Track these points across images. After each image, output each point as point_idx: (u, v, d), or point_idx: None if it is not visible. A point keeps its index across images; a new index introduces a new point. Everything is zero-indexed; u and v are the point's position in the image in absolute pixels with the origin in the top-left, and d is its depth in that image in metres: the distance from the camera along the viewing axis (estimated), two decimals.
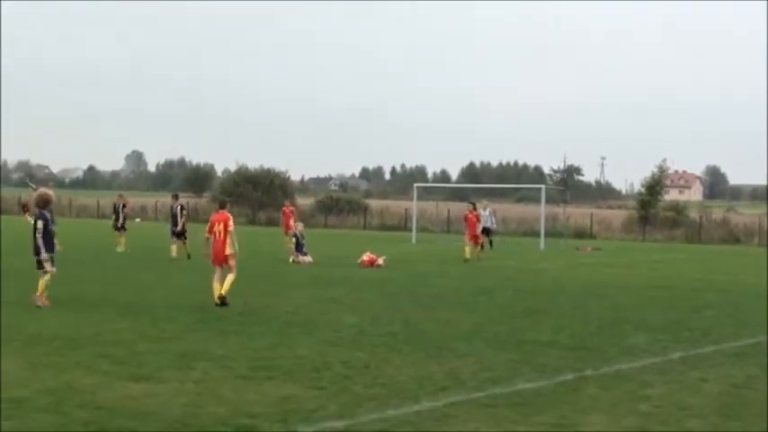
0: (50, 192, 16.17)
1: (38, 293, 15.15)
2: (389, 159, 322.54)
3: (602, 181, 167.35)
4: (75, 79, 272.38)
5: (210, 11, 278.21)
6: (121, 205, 32.07)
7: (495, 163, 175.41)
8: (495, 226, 38.97)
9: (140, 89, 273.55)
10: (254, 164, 77.01)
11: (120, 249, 29.87)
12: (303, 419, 7.99)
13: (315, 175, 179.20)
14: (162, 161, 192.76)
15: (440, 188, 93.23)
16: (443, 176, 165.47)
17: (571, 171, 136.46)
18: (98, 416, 7.94)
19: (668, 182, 69.66)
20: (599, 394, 9.37)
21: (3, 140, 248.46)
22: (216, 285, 15.99)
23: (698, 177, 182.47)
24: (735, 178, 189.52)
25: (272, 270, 24.00)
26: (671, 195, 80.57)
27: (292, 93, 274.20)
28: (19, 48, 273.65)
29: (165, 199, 30.89)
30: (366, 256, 27.05)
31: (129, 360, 10.52)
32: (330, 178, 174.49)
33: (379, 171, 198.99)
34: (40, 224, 15.25)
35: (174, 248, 27.99)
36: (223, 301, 15.69)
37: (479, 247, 32.78)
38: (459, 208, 42.91)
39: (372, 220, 64.77)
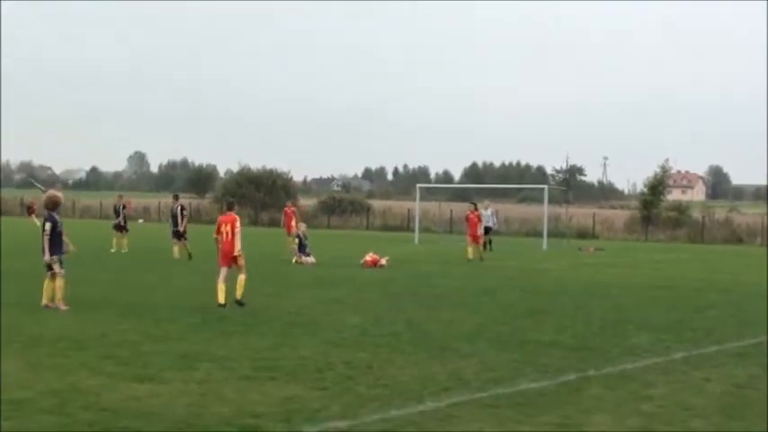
0: (59, 194, 16.13)
1: (59, 299, 15.01)
2: (392, 160, 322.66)
3: (604, 181, 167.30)
4: (76, 79, 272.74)
5: (211, 11, 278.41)
6: (121, 206, 32.07)
7: (497, 163, 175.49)
8: (495, 226, 38.99)
9: (142, 90, 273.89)
10: (256, 164, 76.98)
11: (113, 250, 29.72)
12: (306, 419, 8.01)
13: (317, 176, 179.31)
14: (164, 162, 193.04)
15: (442, 188, 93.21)
16: (446, 177, 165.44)
17: (574, 171, 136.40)
18: (103, 417, 7.96)
19: (671, 182, 69.68)
20: (602, 394, 9.38)
21: (5, 142, 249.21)
22: (221, 286, 15.99)
23: (700, 177, 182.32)
24: (737, 178, 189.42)
25: (275, 271, 24.01)
26: (674, 195, 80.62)
27: (295, 93, 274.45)
28: (20, 48, 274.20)
29: (167, 200, 30.93)
30: (369, 257, 27.06)
31: (134, 361, 10.54)
32: (333, 179, 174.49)
33: (381, 171, 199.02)
34: (47, 226, 15.20)
35: (176, 249, 28.02)
36: (240, 303, 15.85)
37: (482, 247, 32.82)
38: (461, 208, 42.89)
39: (375, 221, 64.77)
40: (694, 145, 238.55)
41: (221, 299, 15.83)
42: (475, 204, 32.92)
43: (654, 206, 59.36)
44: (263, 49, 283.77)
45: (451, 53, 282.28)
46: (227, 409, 8.30)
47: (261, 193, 68.04)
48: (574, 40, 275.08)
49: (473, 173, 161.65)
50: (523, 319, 15.35)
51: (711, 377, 10.46)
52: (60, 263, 15.29)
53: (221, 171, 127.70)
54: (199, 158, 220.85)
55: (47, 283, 15.31)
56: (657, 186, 60.28)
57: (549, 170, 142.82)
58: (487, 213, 35.53)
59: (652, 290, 21.28)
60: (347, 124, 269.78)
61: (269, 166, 75.15)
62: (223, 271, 16.24)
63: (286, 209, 36.35)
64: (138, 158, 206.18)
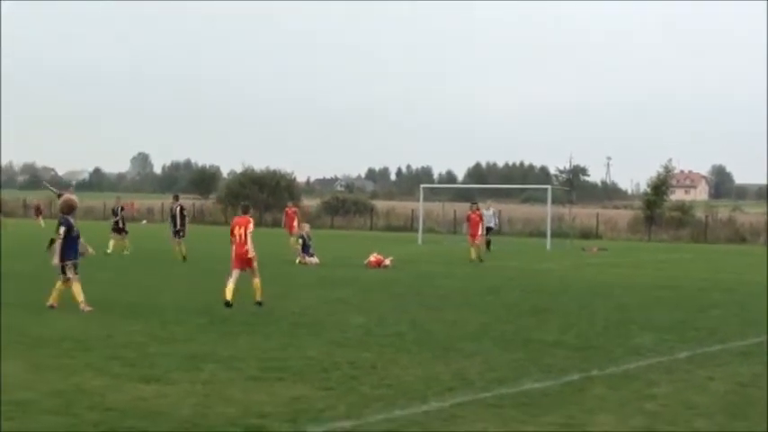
0: (75, 197, 16.10)
1: (81, 302, 14.94)
2: (395, 160, 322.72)
3: (607, 181, 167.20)
4: (77, 80, 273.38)
5: (211, 11, 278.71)
6: (119, 208, 32.06)
7: (501, 163, 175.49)
8: (497, 227, 38.98)
9: (145, 90, 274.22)
10: (260, 165, 77.16)
11: (109, 251, 29.66)
12: (312, 419, 8.05)
13: (321, 177, 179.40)
14: (168, 163, 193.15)
15: (446, 189, 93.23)
16: (449, 177, 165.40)
17: (577, 171, 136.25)
18: (108, 417, 8.00)
19: (674, 182, 69.65)
20: (606, 394, 9.41)
21: (8, 143, 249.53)
22: (230, 285, 16.10)
23: (703, 177, 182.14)
24: (741, 178, 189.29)
25: (279, 271, 24.05)
26: (677, 195, 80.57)
27: (297, 93, 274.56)
28: (20, 48, 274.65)
29: (171, 201, 30.96)
30: (373, 257, 27.11)
31: (140, 362, 10.58)
32: (336, 179, 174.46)
33: (385, 172, 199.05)
34: (62, 230, 15.14)
35: (177, 249, 27.97)
36: (259, 305, 15.99)
37: (486, 246, 32.83)
38: (465, 209, 42.87)
39: (378, 221, 64.82)
40: (697, 144, 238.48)
41: (228, 296, 15.92)
42: (476, 204, 32.89)
43: (657, 206, 59.34)
44: (265, 49, 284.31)
45: (452, 53, 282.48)
46: (233, 410, 8.34)
47: (264, 194, 68.14)
48: (575, 40, 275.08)
49: (476, 173, 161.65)
50: (527, 318, 15.38)
51: (715, 376, 10.49)
52: (75, 267, 15.22)
53: (224, 172, 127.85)
54: (202, 159, 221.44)
55: (58, 284, 15.28)
56: (661, 186, 60.27)
57: (552, 170, 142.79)
58: (489, 213, 35.54)
59: (655, 290, 21.30)
60: (350, 125, 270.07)
61: (272, 167, 75.32)
62: (235, 273, 16.35)
63: (287, 209, 36.43)
64: (142, 159, 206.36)
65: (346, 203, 71.22)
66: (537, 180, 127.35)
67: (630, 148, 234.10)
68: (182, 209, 29.34)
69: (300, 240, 28.62)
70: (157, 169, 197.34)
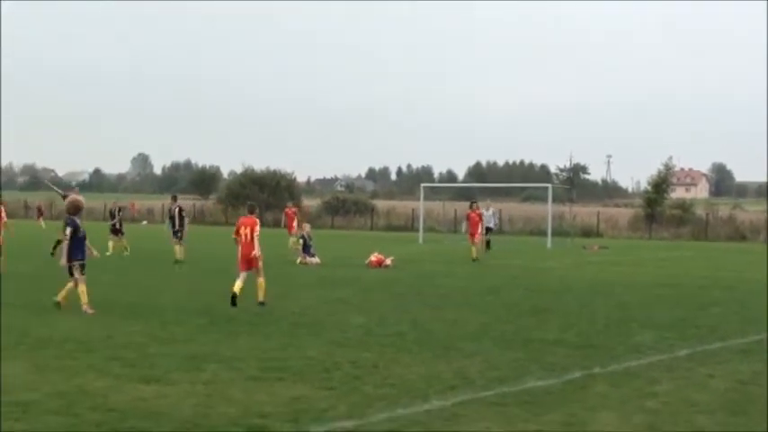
0: (81, 198, 16.10)
1: (84, 303, 14.93)
2: (395, 160, 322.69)
3: (608, 179, 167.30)
4: (78, 81, 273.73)
5: (211, 11, 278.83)
6: (117, 209, 32.04)
7: (501, 162, 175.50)
8: (497, 227, 38.94)
9: (145, 91, 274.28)
10: (260, 165, 77.21)
11: (109, 253, 29.64)
12: (314, 419, 8.06)
13: (321, 177, 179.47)
14: (168, 163, 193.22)
15: (446, 188, 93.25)
16: (450, 176, 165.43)
17: (577, 170, 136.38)
18: (110, 417, 8.01)
19: (674, 180, 69.66)
20: (607, 392, 9.42)
21: (8, 144, 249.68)
22: (239, 283, 16.32)
23: (704, 175, 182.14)
24: (741, 175, 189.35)
25: (280, 271, 24.06)
26: (677, 193, 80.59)
27: (297, 94, 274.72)
28: (21, 48, 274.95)
29: (169, 201, 30.98)
30: (374, 257, 27.13)
31: (140, 363, 10.59)
32: (336, 179, 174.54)
33: (385, 171, 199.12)
34: (68, 231, 15.10)
35: (177, 249, 27.88)
36: (262, 305, 16.11)
37: (486, 246, 32.81)
38: (465, 208, 42.94)
39: (379, 221, 64.82)
40: (698, 142, 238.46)
41: (236, 288, 16.18)
42: (475, 203, 32.84)
43: (658, 204, 59.36)
44: (265, 49, 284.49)
45: (452, 53, 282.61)
46: (234, 410, 8.35)
47: (265, 194, 68.15)
48: (575, 39, 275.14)
49: (477, 172, 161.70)
50: (528, 317, 15.39)
51: (715, 374, 10.50)
52: (82, 268, 15.21)
53: (225, 172, 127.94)
54: (202, 160, 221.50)
55: (70, 284, 15.23)
56: (661, 184, 60.29)
57: (552, 169, 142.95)
58: (489, 214, 35.50)
59: (656, 288, 21.31)
60: (350, 124, 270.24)
61: (272, 167, 75.34)
62: (242, 275, 16.50)
63: (287, 210, 36.46)
64: (142, 160, 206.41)
65: (347, 203, 71.23)
66: (537, 179, 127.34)
67: (631, 147, 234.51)
68: (180, 210, 29.26)
69: (301, 240, 28.63)
70: (157, 170, 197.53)
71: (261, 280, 16.48)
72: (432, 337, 12.91)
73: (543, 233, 46.31)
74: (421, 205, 49.78)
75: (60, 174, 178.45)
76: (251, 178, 72.83)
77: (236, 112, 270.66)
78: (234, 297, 16.09)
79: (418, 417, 8.24)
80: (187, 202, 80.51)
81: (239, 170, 79.35)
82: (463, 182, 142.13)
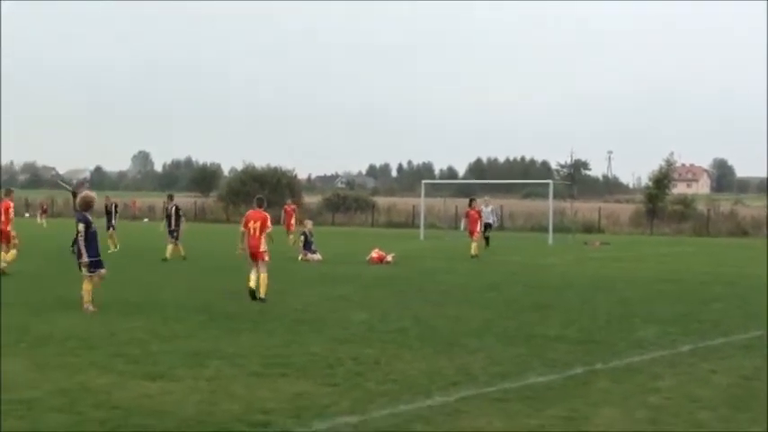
0: (93, 194, 16.06)
1: (86, 301, 14.84)
2: (396, 156, 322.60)
3: (609, 175, 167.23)
4: (78, 79, 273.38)
5: (213, 10, 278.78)
6: (113, 205, 32.01)
7: (502, 159, 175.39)
8: (496, 223, 38.93)
9: (145, 89, 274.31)
10: (260, 163, 77.17)
11: (110, 251, 29.58)
12: (316, 415, 8.06)
13: (322, 174, 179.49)
14: (169, 161, 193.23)
15: (447, 185, 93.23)
16: (450, 173, 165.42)
17: (578, 166, 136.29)
18: (114, 415, 8.01)
19: (676, 175, 69.62)
20: (609, 387, 9.42)
21: (9, 142, 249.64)
22: (252, 276, 16.57)
23: (705, 170, 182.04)
24: (742, 171, 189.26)
25: (281, 268, 24.06)
26: (679, 189, 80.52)
27: (298, 91, 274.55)
28: (21, 48, 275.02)
29: (165, 200, 30.93)
30: (375, 253, 27.15)
31: (143, 359, 10.59)
32: (337, 176, 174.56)
33: (386, 168, 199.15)
34: (81, 227, 15.06)
35: (169, 248, 27.70)
36: (262, 301, 16.23)
37: (485, 242, 32.81)
38: (466, 204, 42.98)
39: (380, 218, 64.87)
40: (699, 138, 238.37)
41: (252, 284, 16.47)
42: (474, 200, 32.82)
43: (659, 200, 59.39)
44: (266, 46, 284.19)
45: (453, 50, 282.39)
46: (237, 406, 8.36)
47: (266, 192, 68.08)
48: (576, 36, 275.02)
49: (478, 168, 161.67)
50: (530, 313, 15.39)
51: (718, 369, 10.50)
52: (90, 265, 15.18)
53: (226, 170, 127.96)
54: (203, 157, 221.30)
55: (97, 281, 15.16)
56: (662, 180, 60.33)
57: (553, 165, 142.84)
58: (488, 210, 35.50)
59: (658, 283, 21.32)
60: (351, 121, 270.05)
61: (273, 165, 75.37)
62: (254, 271, 16.67)
63: (286, 207, 36.53)
64: (143, 158, 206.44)
65: (347, 200, 71.28)
66: (538, 175, 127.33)
67: (632, 142, 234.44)
68: (177, 209, 29.11)
69: (303, 237, 28.65)
70: (158, 167, 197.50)
71: (264, 275, 16.54)
72: (434, 334, 12.91)
73: (544, 229, 46.31)
74: (422, 202, 49.79)
75: (61, 171, 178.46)
76: (252, 175, 72.88)
77: (237, 110, 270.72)
78: (252, 292, 16.35)
79: (420, 412, 8.25)
80: (188, 199, 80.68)
81: (240, 167, 79.43)
82: (464, 178, 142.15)
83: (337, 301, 16.95)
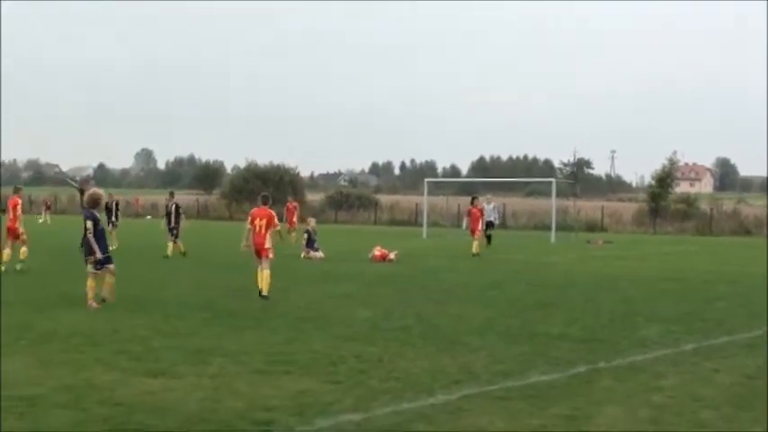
0: (101, 191, 16.09)
1: (90, 298, 14.87)
2: (399, 154, 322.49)
3: (612, 174, 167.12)
4: (82, 77, 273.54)
5: (215, 8, 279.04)
6: (114, 203, 31.99)
7: (504, 157, 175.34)
8: (497, 221, 38.92)
9: (148, 86, 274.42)
10: (263, 160, 77.16)
11: (113, 247, 29.53)
12: (319, 413, 8.07)
13: (324, 171, 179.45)
14: (171, 159, 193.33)
15: (450, 183, 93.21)
16: (453, 171, 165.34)
17: (581, 164, 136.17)
18: (117, 411, 8.03)
19: (679, 174, 69.51)
20: (612, 386, 9.42)
21: (13, 140, 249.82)
22: (257, 277, 16.69)
23: (708, 169, 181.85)
24: (745, 170, 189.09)
25: (284, 266, 24.08)
26: (682, 188, 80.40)
27: (300, 89, 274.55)
28: (25, 46, 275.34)
29: (166, 198, 30.87)
30: (377, 251, 27.15)
31: (146, 356, 10.60)
32: (340, 174, 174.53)
33: (388, 166, 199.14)
34: (89, 224, 15.06)
35: (170, 246, 27.69)
36: (264, 298, 16.31)
37: (487, 240, 32.80)
38: (469, 203, 43.03)
39: (383, 216, 64.87)
40: (702, 137, 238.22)
41: (259, 285, 16.57)
42: (476, 198, 32.81)
43: (662, 198, 59.33)
44: (269, 44, 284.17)
45: (456, 49, 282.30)
46: (240, 404, 8.36)
47: (269, 189, 68.20)
48: (578, 35, 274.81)
49: (480, 167, 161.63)
50: (532, 312, 15.39)
51: (721, 368, 10.49)
52: (96, 263, 15.19)
53: (228, 167, 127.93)
54: (206, 155, 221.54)
55: (108, 279, 15.15)
56: (665, 179, 60.27)
57: (556, 164, 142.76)
58: (489, 208, 35.50)
59: (661, 282, 21.31)
60: (354, 119, 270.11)
61: (276, 162, 75.35)
62: (259, 263, 16.87)
63: (288, 204, 36.59)
64: (145, 155, 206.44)
65: (350, 198, 71.29)
66: (541, 173, 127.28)
67: (635, 141, 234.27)
68: (177, 207, 29.05)
69: (306, 235, 28.66)
70: (161, 165, 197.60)
71: (267, 272, 16.58)
72: (436, 332, 12.92)
73: (547, 228, 46.30)
74: (425, 200, 49.79)
75: (64, 169, 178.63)
76: (254, 173, 72.87)
77: (240, 108, 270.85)
78: (261, 291, 16.47)
79: (423, 410, 8.25)
80: (191, 197, 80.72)
81: (243, 165, 79.42)
82: (467, 177, 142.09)
83: (340, 298, 16.95)
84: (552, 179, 52.49)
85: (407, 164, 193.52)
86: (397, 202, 69.44)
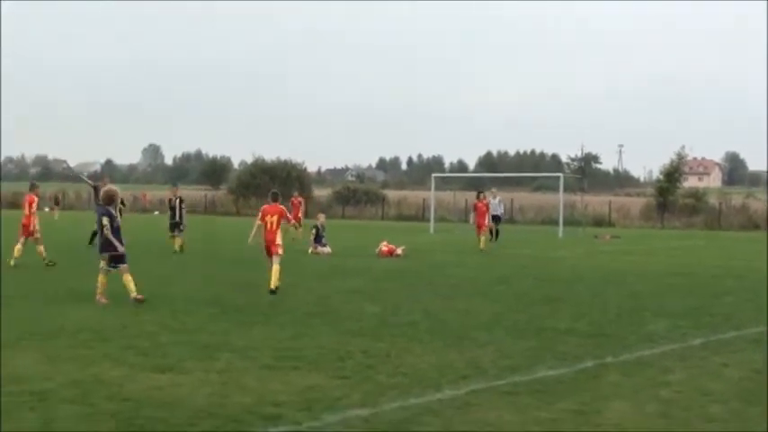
0: (116, 188, 16.13)
1: (99, 293, 14.90)
2: (406, 150, 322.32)
3: (620, 169, 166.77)
4: (90, 74, 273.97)
5: (223, 4, 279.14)
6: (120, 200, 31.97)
7: (512, 152, 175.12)
8: (503, 215, 38.87)
9: (156, 82, 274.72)
10: (270, 156, 77.25)
11: None
12: (327, 408, 8.08)
13: (332, 167, 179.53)
14: (179, 154, 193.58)
15: (457, 178, 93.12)
16: (461, 166, 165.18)
17: (589, 159, 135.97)
18: (125, 406, 8.05)
19: (687, 169, 69.38)
20: (620, 381, 9.41)
21: (21, 136, 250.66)
22: (268, 273, 16.71)
23: (717, 164, 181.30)
24: (754, 164, 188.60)
25: (292, 261, 24.11)
26: (690, 182, 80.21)
27: (308, 85, 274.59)
28: (27, 43, 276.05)
29: (169, 192, 30.81)
30: (384, 246, 27.16)
31: (154, 351, 10.62)
32: (347, 169, 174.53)
33: (396, 161, 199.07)
34: (105, 221, 15.09)
35: (177, 241, 27.66)
36: (273, 292, 16.33)
37: (491, 235, 32.76)
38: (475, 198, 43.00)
39: (390, 211, 64.86)
40: (711, 132, 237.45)
41: (271, 281, 16.57)
42: (482, 193, 32.79)
43: (670, 193, 59.18)
44: (277, 41, 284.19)
45: (463, 45, 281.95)
46: (248, 399, 8.38)
47: (276, 185, 68.26)
48: (585, 30, 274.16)
49: (488, 162, 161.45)
50: (540, 306, 15.38)
51: (729, 362, 10.47)
52: (111, 260, 15.10)
53: (235, 163, 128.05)
54: (213, 150, 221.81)
55: (126, 276, 15.12)
56: (673, 173, 60.10)
57: (564, 158, 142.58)
58: (495, 202, 35.45)
59: (669, 277, 21.26)
60: (361, 114, 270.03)
61: (283, 158, 75.41)
62: (269, 261, 16.95)
63: (293, 199, 36.64)
64: (153, 151, 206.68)
65: (357, 193, 71.27)
66: (548, 168, 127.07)
67: (643, 136, 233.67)
68: (181, 201, 29.00)
69: (314, 230, 28.69)
70: (168, 160, 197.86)
71: (277, 267, 16.68)
72: (444, 327, 12.91)
73: (555, 222, 46.25)
74: (432, 195, 49.76)
75: (72, 164, 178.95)
76: (261, 168, 72.93)
77: (247, 103, 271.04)
78: (271, 292, 16.40)
79: (431, 406, 8.25)
80: (198, 192, 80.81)
81: (250, 160, 79.49)
82: (474, 172, 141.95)
83: (348, 294, 16.96)
84: (560, 174, 52.39)
85: (415, 159, 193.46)
86: (405, 198, 69.42)
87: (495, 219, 34.18)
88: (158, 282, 18.61)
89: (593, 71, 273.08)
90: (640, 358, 10.70)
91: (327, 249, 27.90)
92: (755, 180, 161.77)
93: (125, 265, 15.17)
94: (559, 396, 8.65)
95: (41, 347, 10.87)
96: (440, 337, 11.96)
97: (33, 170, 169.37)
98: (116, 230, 15.20)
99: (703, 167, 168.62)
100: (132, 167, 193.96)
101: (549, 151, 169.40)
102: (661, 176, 61.82)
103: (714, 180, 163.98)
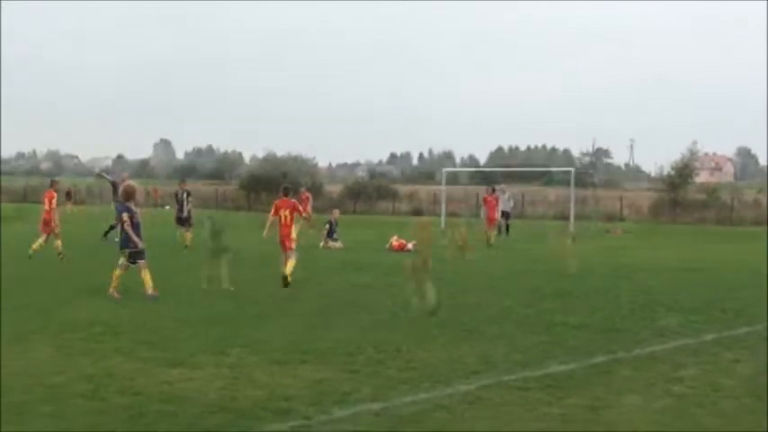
0: (135, 184, 16.23)
1: (113, 287, 14.97)
2: (417, 145, 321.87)
3: (631, 164, 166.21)
4: (101, 69, 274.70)
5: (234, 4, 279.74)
6: None
7: (523, 147, 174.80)
8: (513, 210, 38.75)
9: (168, 77, 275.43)
10: (281, 151, 77.34)
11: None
12: (337, 402, 8.09)
13: (343, 162, 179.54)
14: (190, 149, 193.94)
15: (468, 172, 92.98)
16: (472, 161, 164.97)
17: (600, 154, 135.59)
18: (137, 401, 8.08)
19: (698, 164, 69.04)
20: (632, 376, 9.38)
21: (33, 131, 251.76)
22: (282, 268, 16.86)
23: (729, 159, 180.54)
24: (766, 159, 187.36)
25: (303, 255, 24.09)
26: (702, 177, 79.82)
27: (320, 81, 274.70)
28: (33, 41, 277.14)
29: (192, 186, 30.74)
30: (395, 241, 27.17)
31: (166, 346, 10.65)
32: (358, 164, 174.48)
33: (407, 156, 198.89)
34: (125, 216, 15.17)
35: (188, 236, 27.63)
36: (286, 282, 16.54)
37: (497, 231, 32.70)
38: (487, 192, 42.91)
39: (401, 206, 64.82)
40: (722, 127, 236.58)
41: (285, 271, 16.76)
42: (493, 188, 32.76)
43: (681, 188, 58.92)
44: (289, 38, 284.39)
45: (473, 41, 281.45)
46: (259, 393, 8.39)
47: (286, 179, 68.31)
48: (596, 24, 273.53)
49: (498, 156, 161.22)
50: (551, 301, 15.34)
51: (741, 358, 10.43)
52: (130, 256, 15.16)
53: (247, 158, 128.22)
54: (224, 145, 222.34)
55: (144, 273, 15.21)
56: (684, 169, 59.82)
57: (575, 153, 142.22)
58: (504, 197, 35.37)
59: (680, 272, 21.18)
60: (372, 110, 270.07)
61: (294, 153, 75.43)
62: (282, 255, 17.16)
63: (301, 194, 36.60)
64: (164, 146, 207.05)
65: (369, 188, 71.19)
66: (560, 163, 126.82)
67: (654, 131, 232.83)
68: (188, 194, 28.88)
69: (327, 225, 28.76)
70: (180, 155, 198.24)
71: (292, 261, 16.92)
72: (455, 321, 12.90)
73: (566, 217, 46.12)
74: (443, 189, 49.70)
75: (83, 159, 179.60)
76: (273, 164, 72.92)
77: (259, 98, 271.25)
78: (285, 278, 16.62)
79: (441, 400, 8.25)
80: (209, 187, 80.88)
81: (261, 155, 79.54)
82: (485, 166, 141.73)
83: (359, 288, 16.96)
84: (571, 168, 52.25)
85: (425, 154, 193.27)
86: (416, 192, 69.34)
87: (505, 215, 34.11)
88: (171, 275, 18.63)
89: (604, 66, 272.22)
90: (652, 353, 10.67)
91: (338, 244, 27.93)
92: None
93: (144, 261, 15.23)
94: (570, 391, 8.64)
95: (54, 341, 10.92)
96: (450, 332, 11.95)
97: (45, 165, 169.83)
98: (136, 226, 15.28)
99: (715, 163, 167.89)
100: (144, 162, 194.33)
101: (560, 146, 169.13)
102: (672, 172, 61.50)
103: (726, 175, 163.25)
